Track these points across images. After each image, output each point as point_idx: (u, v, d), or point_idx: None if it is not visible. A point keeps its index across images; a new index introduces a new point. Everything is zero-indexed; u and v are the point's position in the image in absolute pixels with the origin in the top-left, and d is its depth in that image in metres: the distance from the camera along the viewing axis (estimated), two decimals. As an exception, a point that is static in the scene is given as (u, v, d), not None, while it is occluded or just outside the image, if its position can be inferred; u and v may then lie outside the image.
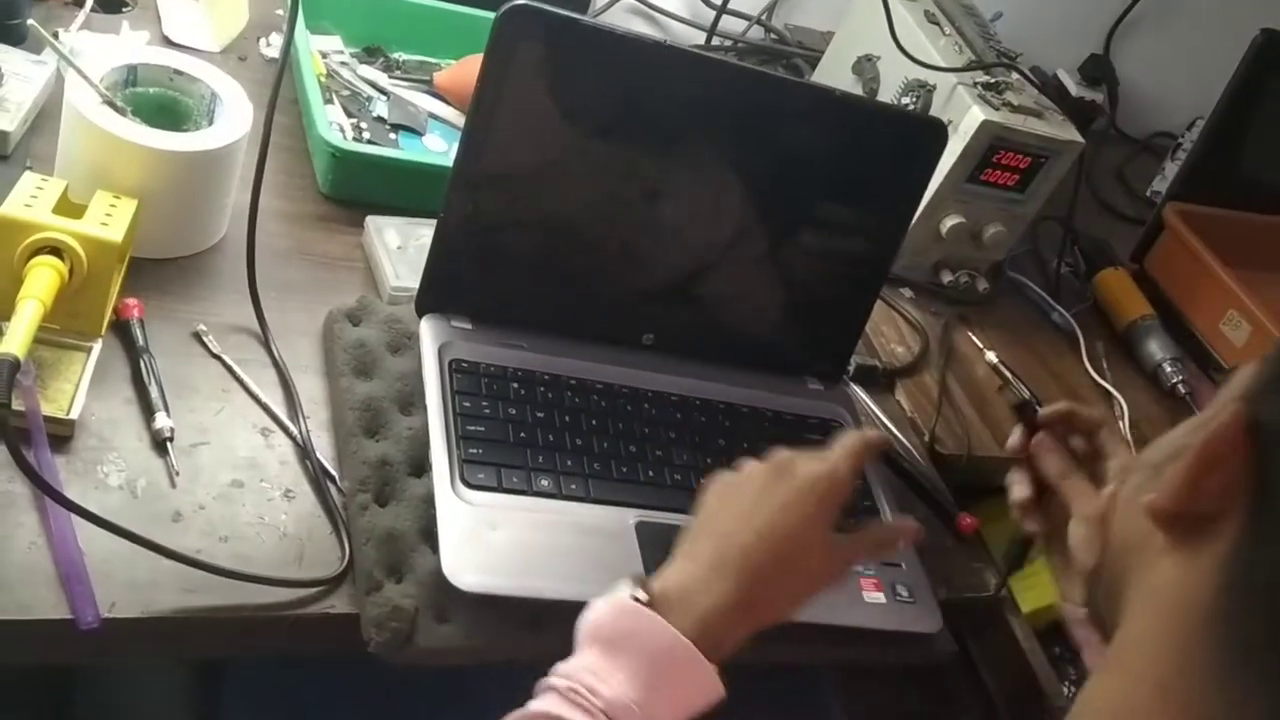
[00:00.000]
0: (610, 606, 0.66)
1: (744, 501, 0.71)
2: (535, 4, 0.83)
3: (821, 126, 0.94)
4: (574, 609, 0.68)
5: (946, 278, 1.25)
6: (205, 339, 0.87)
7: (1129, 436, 1.19)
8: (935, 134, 0.98)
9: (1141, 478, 0.58)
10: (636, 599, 0.66)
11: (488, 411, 0.85)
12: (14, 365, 0.68)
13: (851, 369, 1.09)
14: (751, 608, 0.68)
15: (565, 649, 0.69)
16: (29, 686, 0.95)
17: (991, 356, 1.20)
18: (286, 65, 1.06)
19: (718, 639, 0.66)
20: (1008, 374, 1.19)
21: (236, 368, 0.86)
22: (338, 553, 0.78)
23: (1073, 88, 1.67)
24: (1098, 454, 0.77)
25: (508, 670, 0.71)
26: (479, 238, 0.89)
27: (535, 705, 0.63)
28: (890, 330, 1.19)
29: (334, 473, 0.82)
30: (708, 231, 0.95)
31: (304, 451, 0.83)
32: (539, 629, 0.77)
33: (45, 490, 0.69)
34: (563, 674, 0.64)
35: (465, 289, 0.90)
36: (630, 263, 0.94)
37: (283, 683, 0.94)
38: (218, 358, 0.87)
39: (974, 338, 1.22)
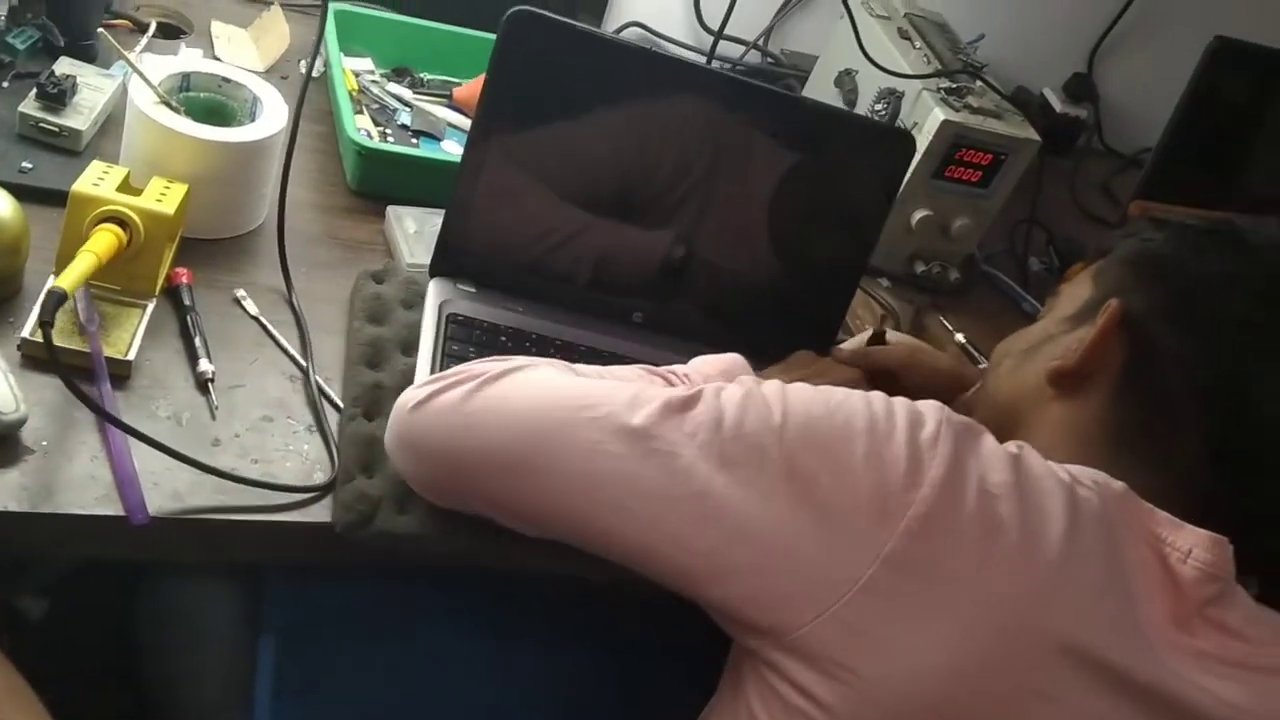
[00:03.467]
0: (734, 362, 0.92)
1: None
2: (537, 10, 0.96)
3: (799, 130, 1.06)
4: None
5: (920, 268, 1.36)
6: (243, 303, 1.01)
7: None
8: (905, 141, 1.09)
9: (1014, 360, 0.88)
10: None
11: (474, 356, 0.96)
12: (59, 297, 0.81)
13: (828, 349, 1.19)
14: None
15: (515, 549, 0.81)
16: (96, 594, 1.08)
17: (960, 337, 1.31)
18: (322, 76, 1.21)
19: None
20: (974, 353, 1.29)
21: (270, 326, 1.00)
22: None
23: (1057, 105, 1.78)
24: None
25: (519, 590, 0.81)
26: (484, 215, 1.02)
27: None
28: (866, 314, 1.30)
29: (339, 402, 0.95)
30: (695, 224, 1.07)
31: (308, 381, 0.96)
32: (488, 526, 0.83)
33: (99, 413, 0.83)
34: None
35: (471, 258, 1.03)
36: (621, 247, 1.06)
37: (317, 591, 1.04)
38: (254, 318, 1.00)
39: (944, 321, 1.33)
